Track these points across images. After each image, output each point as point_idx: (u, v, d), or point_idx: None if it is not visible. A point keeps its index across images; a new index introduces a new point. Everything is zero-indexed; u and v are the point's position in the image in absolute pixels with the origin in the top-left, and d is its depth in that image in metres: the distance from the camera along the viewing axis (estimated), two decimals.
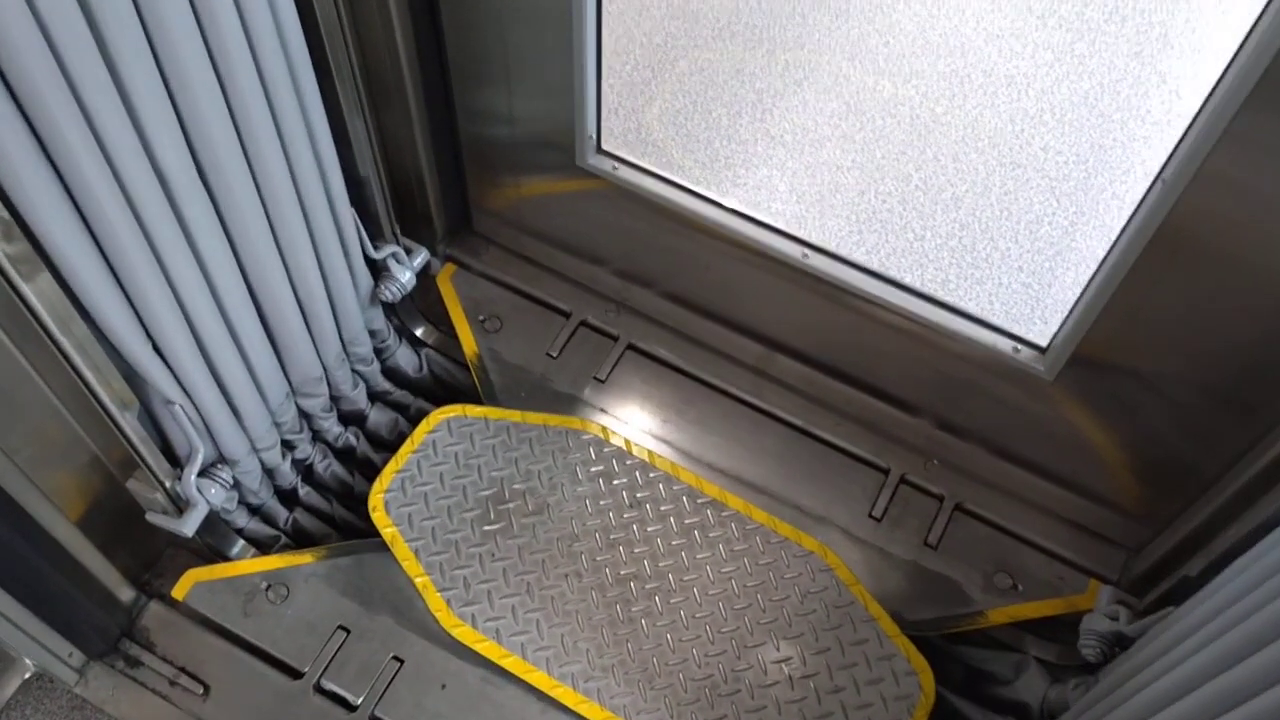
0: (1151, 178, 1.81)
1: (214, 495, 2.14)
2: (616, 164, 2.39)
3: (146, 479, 2.05)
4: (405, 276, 2.46)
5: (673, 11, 3.85)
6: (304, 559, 2.31)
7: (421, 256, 2.53)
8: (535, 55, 2.23)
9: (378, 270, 2.45)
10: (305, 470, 2.50)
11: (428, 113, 2.37)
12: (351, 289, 2.32)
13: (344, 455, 2.58)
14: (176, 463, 2.10)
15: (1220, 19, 3.90)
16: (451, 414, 2.49)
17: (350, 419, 2.58)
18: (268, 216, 1.97)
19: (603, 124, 2.36)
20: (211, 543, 2.33)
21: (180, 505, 2.12)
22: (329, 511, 2.53)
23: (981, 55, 3.76)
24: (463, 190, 2.69)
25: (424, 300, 2.72)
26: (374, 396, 2.61)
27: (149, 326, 1.84)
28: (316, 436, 2.50)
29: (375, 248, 2.39)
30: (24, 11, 1.38)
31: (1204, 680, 1.36)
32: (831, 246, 2.33)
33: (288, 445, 2.40)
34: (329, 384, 2.41)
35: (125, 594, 2.26)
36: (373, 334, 2.52)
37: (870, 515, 2.41)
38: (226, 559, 2.35)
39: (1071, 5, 3.91)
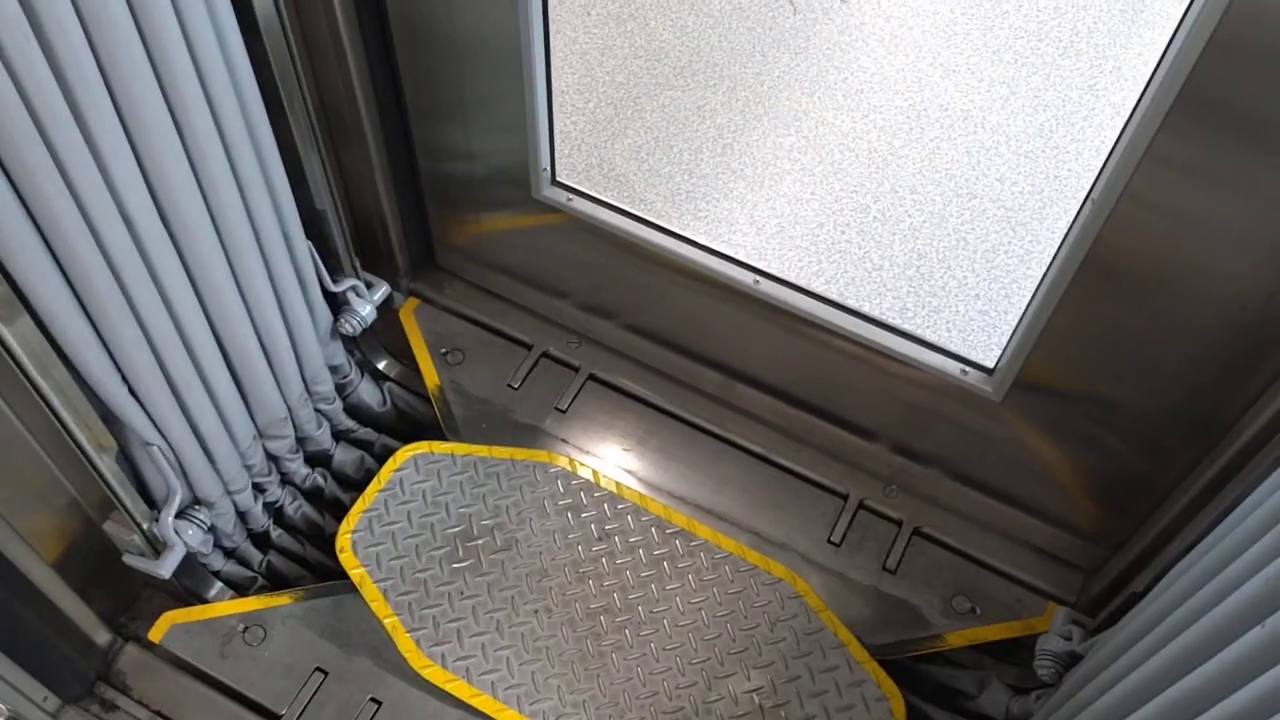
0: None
1: (190, 537, 2.16)
2: (571, 195, 2.45)
3: (124, 521, 2.07)
4: (365, 310, 2.49)
5: (635, 51, 3.92)
6: (281, 600, 2.33)
7: (382, 290, 2.56)
8: (488, 93, 2.28)
9: (338, 304, 2.48)
10: (276, 512, 2.53)
11: (387, 150, 2.42)
12: (310, 325, 2.35)
13: (312, 496, 2.60)
14: (154, 505, 2.13)
15: None
16: (419, 450, 2.52)
17: (316, 459, 2.61)
18: (226, 253, 2.00)
19: (569, 161, 2.41)
20: (189, 585, 2.34)
21: (157, 547, 2.14)
22: (301, 553, 2.55)
23: (938, 90, 3.84)
24: (425, 226, 2.74)
25: (386, 334, 2.75)
26: (338, 435, 2.64)
27: (122, 367, 1.88)
28: (285, 479, 2.53)
29: (335, 281, 2.43)
30: None
31: (1142, 694, 1.41)
32: (791, 277, 2.37)
33: (258, 488, 2.43)
34: (294, 424, 2.44)
35: (101, 636, 2.28)
36: (334, 369, 2.55)
37: (829, 541, 2.44)
38: (204, 601, 2.37)
39: (1026, 41, 4.00)
